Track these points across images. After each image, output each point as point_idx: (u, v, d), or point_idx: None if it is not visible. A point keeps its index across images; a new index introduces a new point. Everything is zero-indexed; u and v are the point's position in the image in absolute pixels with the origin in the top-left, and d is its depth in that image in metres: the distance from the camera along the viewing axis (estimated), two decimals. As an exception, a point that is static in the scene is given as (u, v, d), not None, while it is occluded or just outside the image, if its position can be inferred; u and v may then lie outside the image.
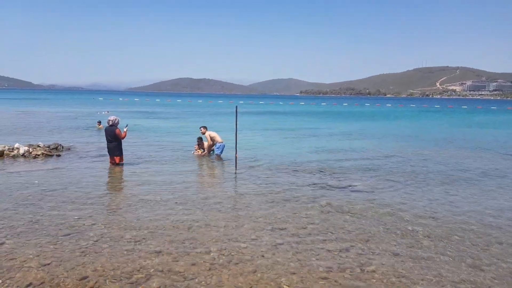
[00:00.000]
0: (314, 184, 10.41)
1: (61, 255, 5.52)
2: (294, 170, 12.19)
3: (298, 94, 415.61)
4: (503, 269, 5.51)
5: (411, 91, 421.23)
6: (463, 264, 5.64)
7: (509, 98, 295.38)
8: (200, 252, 5.74)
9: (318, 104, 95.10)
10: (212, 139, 14.19)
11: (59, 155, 13.61)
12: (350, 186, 10.29)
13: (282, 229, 6.88)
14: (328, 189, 9.84)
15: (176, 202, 8.29)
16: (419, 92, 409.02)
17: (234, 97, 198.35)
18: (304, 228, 6.96)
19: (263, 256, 5.70)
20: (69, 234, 6.30)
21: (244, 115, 43.16)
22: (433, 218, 7.71)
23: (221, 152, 14.11)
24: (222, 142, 14.17)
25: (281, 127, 29.22)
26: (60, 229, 6.51)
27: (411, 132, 27.01)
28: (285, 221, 7.32)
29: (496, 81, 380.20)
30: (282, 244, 6.19)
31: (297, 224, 7.17)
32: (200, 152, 14.59)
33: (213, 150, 14.43)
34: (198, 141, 14.81)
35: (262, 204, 8.34)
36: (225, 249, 5.87)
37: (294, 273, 5.19)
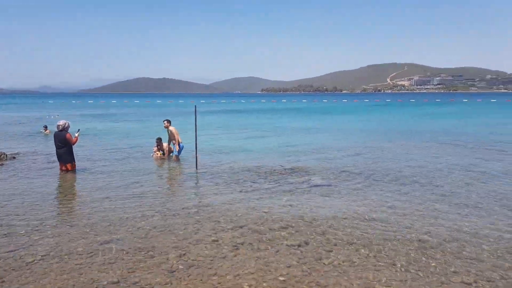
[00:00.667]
0: (275, 181, 10.40)
1: (2, 274, 5.07)
2: (256, 167, 12.15)
3: (260, 92, 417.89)
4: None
5: (365, 87, 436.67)
6: (397, 266, 5.81)
7: (451, 91, 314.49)
8: (157, 260, 5.50)
9: (279, 102, 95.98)
10: (175, 135, 13.78)
11: (2, 165, 12.71)
12: (309, 181, 10.38)
13: (242, 227, 6.79)
14: (289, 186, 9.86)
15: (133, 208, 7.96)
16: (372, 87, 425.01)
17: (195, 96, 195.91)
18: (264, 223, 6.92)
19: (224, 257, 5.58)
20: (14, 250, 5.84)
21: (205, 114, 42.74)
22: (390, 209, 7.93)
23: (180, 153, 13.81)
24: (181, 143, 13.87)
25: (242, 125, 29.15)
26: (2, 246, 6.02)
27: (364, 126, 27.90)
28: (246, 219, 7.23)
29: (440, 76, 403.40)
30: (243, 243, 6.09)
31: (258, 221, 7.11)
32: (159, 155, 14.16)
33: (172, 152, 14.04)
34: (157, 142, 14.34)
35: (223, 204, 8.20)
36: (184, 254, 5.68)
37: (254, 273, 5.11)
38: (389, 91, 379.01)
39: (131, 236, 6.39)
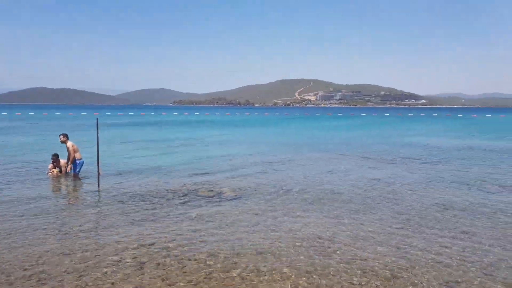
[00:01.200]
0: (184, 195, 10.28)
1: None
2: (165, 183, 11.86)
3: (171, 105, 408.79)
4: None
5: (275, 101, 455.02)
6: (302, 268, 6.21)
7: (351, 106, 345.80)
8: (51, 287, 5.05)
9: (192, 114, 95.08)
10: (72, 151, 12.74)
11: None
12: (219, 193, 10.45)
13: (149, 245, 6.57)
14: (198, 200, 9.81)
15: (24, 231, 7.21)
16: (282, 101, 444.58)
17: (100, 108, 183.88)
18: (173, 241, 6.79)
19: (127, 279, 5.33)
20: None
21: (110, 127, 40.48)
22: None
23: (80, 170, 12.86)
24: (81, 159, 12.92)
25: (151, 138, 28.18)
26: None
27: (275, 138, 29.01)
28: (153, 237, 7.01)
29: (341, 92, 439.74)
30: (147, 261, 5.90)
31: (166, 237, 6.95)
32: (55, 172, 12.99)
33: (71, 169, 12.96)
34: (53, 159, 13.11)
35: (128, 223, 7.84)
36: (80, 278, 5.30)
37: (161, 292, 4.98)
38: (298, 105, 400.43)
39: (22, 262, 5.78)
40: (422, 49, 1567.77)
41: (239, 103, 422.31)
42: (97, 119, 11.78)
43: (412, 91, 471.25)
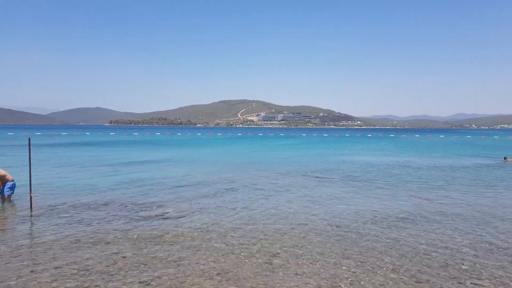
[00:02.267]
0: (125, 216, 10.02)
1: None
2: (104, 205, 11.45)
3: (108, 124, 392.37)
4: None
5: (218, 121, 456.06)
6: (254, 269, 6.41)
7: (292, 126, 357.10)
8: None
9: (130, 134, 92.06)
10: (1, 177, 11.94)
11: None
12: (162, 214, 10.33)
13: (89, 270, 6.36)
14: (140, 221, 9.62)
15: None
16: (225, 121, 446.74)
17: (29, 128, 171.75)
18: (115, 264, 6.63)
19: (66, 303, 5.13)
20: None
21: (42, 148, 38.04)
22: (237, 228, 8.51)
23: (13, 192, 12.05)
24: (12, 181, 12.12)
25: (87, 160, 26.88)
26: None
27: (217, 158, 29.11)
28: (94, 261, 6.78)
29: (282, 113, 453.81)
30: (88, 286, 5.71)
31: (107, 261, 6.76)
32: None
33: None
34: None
35: (65, 249, 7.49)
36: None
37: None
38: (240, 125, 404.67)
39: None
40: (358, 73, 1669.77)
41: (181, 123, 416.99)
42: (29, 139, 11.23)
43: (348, 113, 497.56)
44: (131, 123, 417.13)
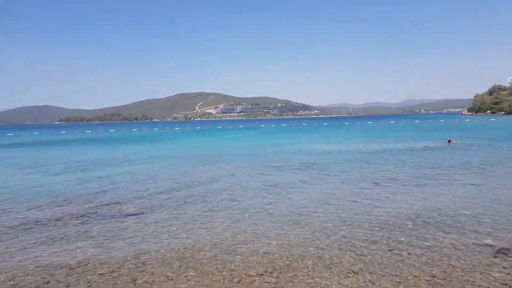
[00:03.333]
0: (82, 216, 10.02)
1: None
2: (59, 205, 11.33)
3: (58, 123, 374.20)
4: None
5: (175, 115, 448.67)
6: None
7: (251, 118, 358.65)
8: None
9: (82, 132, 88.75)
10: None
11: None
12: (120, 211, 10.43)
13: (48, 266, 6.46)
14: (98, 219, 9.68)
15: None
16: (182, 115, 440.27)
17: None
18: (75, 257, 6.76)
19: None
20: None
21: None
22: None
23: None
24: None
25: (38, 160, 25.89)
26: None
27: (175, 152, 29.00)
28: (53, 258, 6.87)
29: (241, 105, 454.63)
30: (50, 282, 5.85)
31: (65, 258, 6.87)
32: None
33: None
34: None
35: (22, 247, 7.49)
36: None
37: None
38: (199, 118, 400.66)
39: None
40: (314, 63, 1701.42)
41: (136, 119, 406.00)
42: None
43: (305, 103, 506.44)
44: (82, 121, 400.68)
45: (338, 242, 7.43)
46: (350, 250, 6.97)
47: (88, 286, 5.71)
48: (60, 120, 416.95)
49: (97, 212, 10.40)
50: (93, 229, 8.70)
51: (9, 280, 5.96)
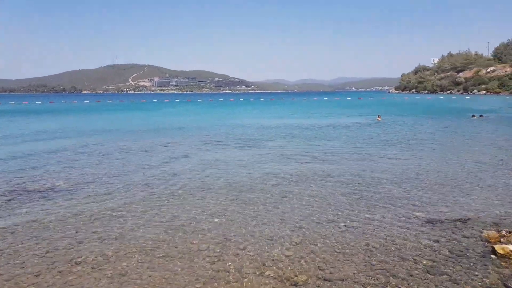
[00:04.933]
0: (11, 191, 9.37)
1: None
2: (-20, 183, 10.42)
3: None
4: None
5: (107, 87, 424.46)
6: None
7: (187, 92, 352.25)
8: None
9: (5, 104, 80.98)
10: None
11: None
12: (52, 188, 9.89)
13: (-26, 250, 6.03)
14: (28, 195, 9.11)
15: None
16: (115, 88, 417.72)
17: None
18: (3, 240, 6.37)
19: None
20: None
21: None
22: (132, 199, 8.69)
23: None
24: None
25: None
26: None
27: (110, 126, 27.71)
28: (-23, 240, 6.41)
29: (177, 78, 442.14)
30: (-22, 264, 5.49)
31: (-6, 239, 6.45)
32: None
33: None
34: None
35: None
36: None
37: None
38: (132, 91, 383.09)
39: None
40: (250, 38, 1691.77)
41: (64, 90, 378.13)
42: None
43: (242, 78, 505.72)
44: (5, 91, 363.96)
45: (279, 216, 7.76)
46: (290, 224, 7.34)
47: (21, 267, 5.44)
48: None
49: (27, 188, 9.75)
50: (22, 207, 8.18)
51: None
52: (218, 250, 6.05)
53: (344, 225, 7.16)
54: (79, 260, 5.69)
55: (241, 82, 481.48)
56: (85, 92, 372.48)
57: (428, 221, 7.28)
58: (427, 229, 6.89)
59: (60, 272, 5.32)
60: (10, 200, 8.80)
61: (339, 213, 7.88)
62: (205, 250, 6.07)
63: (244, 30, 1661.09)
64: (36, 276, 5.21)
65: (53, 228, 7.00)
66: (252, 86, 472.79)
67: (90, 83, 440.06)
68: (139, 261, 5.67)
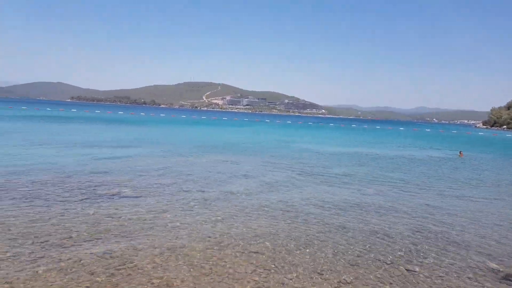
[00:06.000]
0: (82, 194, 10.19)
1: None
2: (61, 182, 11.50)
3: (69, 100, 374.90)
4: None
5: (182, 102, 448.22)
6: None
7: (257, 112, 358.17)
8: None
9: (92, 112, 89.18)
10: None
11: None
12: (118, 193, 10.57)
13: (44, 242, 6.62)
14: (97, 198, 9.84)
15: None
16: (189, 103, 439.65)
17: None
18: (69, 238, 6.92)
19: (21, 271, 5.42)
20: None
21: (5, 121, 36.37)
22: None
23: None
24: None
25: (46, 137, 26.14)
26: None
27: (179, 140, 29.11)
28: (49, 233, 7.04)
29: (248, 98, 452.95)
30: (43, 257, 6.01)
31: (62, 235, 7.03)
32: None
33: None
34: None
35: (22, 222, 7.67)
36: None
37: (58, 282, 5.21)
38: (205, 108, 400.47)
39: None
40: (323, 62, 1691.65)
41: (145, 103, 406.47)
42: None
43: (313, 101, 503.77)
44: (93, 101, 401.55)
45: (332, 249, 7.51)
46: (344, 259, 7.05)
47: (82, 265, 5.85)
48: (72, 98, 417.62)
49: (96, 191, 10.55)
50: (91, 208, 8.85)
51: (6, 252, 6.11)
52: (264, 276, 5.97)
53: (406, 269, 6.52)
54: (131, 264, 5.97)
55: (312, 105, 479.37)
56: (163, 106, 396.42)
57: (505, 277, 6.41)
58: (504, 286, 6.08)
59: (112, 274, 5.62)
60: (81, 200, 9.57)
61: (401, 253, 7.26)
62: (251, 272, 6.04)
63: (318, 55, 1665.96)
64: (91, 274, 5.56)
65: (113, 231, 7.46)
66: (323, 110, 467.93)
67: (168, 97, 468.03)
68: (186, 274, 5.80)
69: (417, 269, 6.59)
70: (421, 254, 7.25)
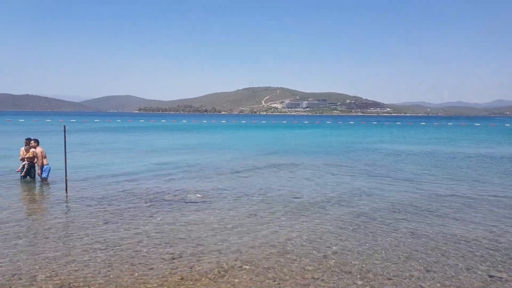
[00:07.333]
0: (150, 200, 10.64)
1: None
2: (131, 188, 12.15)
3: (137, 111, 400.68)
4: (304, 252, 6.88)
5: (242, 108, 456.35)
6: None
7: (317, 114, 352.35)
8: (25, 282, 5.38)
9: (158, 121, 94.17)
10: (41, 156, 12.91)
11: None
12: (185, 199, 10.89)
13: (117, 246, 6.96)
14: (164, 204, 10.21)
15: (-8, 235, 7.39)
16: (249, 109, 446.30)
17: (64, 114, 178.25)
18: (140, 242, 7.21)
19: (97, 274, 5.73)
20: None
21: (75, 133, 39.69)
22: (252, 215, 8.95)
23: (48, 175, 12.95)
24: (48, 164, 13.02)
25: (116, 145, 28.04)
26: None
27: (242, 145, 29.57)
28: (121, 238, 7.40)
29: (307, 100, 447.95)
30: (116, 260, 6.31)
31: (133, 239, 7.36)
32: (27, 155, 13.28)
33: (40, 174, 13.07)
34: (26, 142, 13.52)
35: (96, 226, 8.17)
36: (56, 276, 5.65)
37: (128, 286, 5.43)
38: (264, 113, 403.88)
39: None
40: (387, 58, 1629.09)
41: (206, 111, 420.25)
42: (64, 126, 11.98)
43: (377, 100, 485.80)
44: (158, 110, 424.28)
45: (405, 254, 7.06)
46: (417, 271, 6.59)
47: (150, 268, 6.05)
48: (139, 109, 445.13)
49: (163, 197, 10.97)
50: (158, 214, 9.19)
51: (83, 255, 6.52)
52: (333, 283, 5.73)
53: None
54: (198, 268, 6.06)
55: (375, 104, 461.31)
56: (223, 112, 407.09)
57: None
58: None
59: (182, 278, 5.73)
60: (148, 206, 10.00)
61: (481, 265, 6.49)
62: (318, 279, 5.83)
63: (380, 50, 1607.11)
64: (161, 278, 5.71)
65: (180, 236, 7.66)
66: (388, 109, 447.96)
67: (228, 104, 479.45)
68: (249, 280, 5.76)
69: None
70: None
